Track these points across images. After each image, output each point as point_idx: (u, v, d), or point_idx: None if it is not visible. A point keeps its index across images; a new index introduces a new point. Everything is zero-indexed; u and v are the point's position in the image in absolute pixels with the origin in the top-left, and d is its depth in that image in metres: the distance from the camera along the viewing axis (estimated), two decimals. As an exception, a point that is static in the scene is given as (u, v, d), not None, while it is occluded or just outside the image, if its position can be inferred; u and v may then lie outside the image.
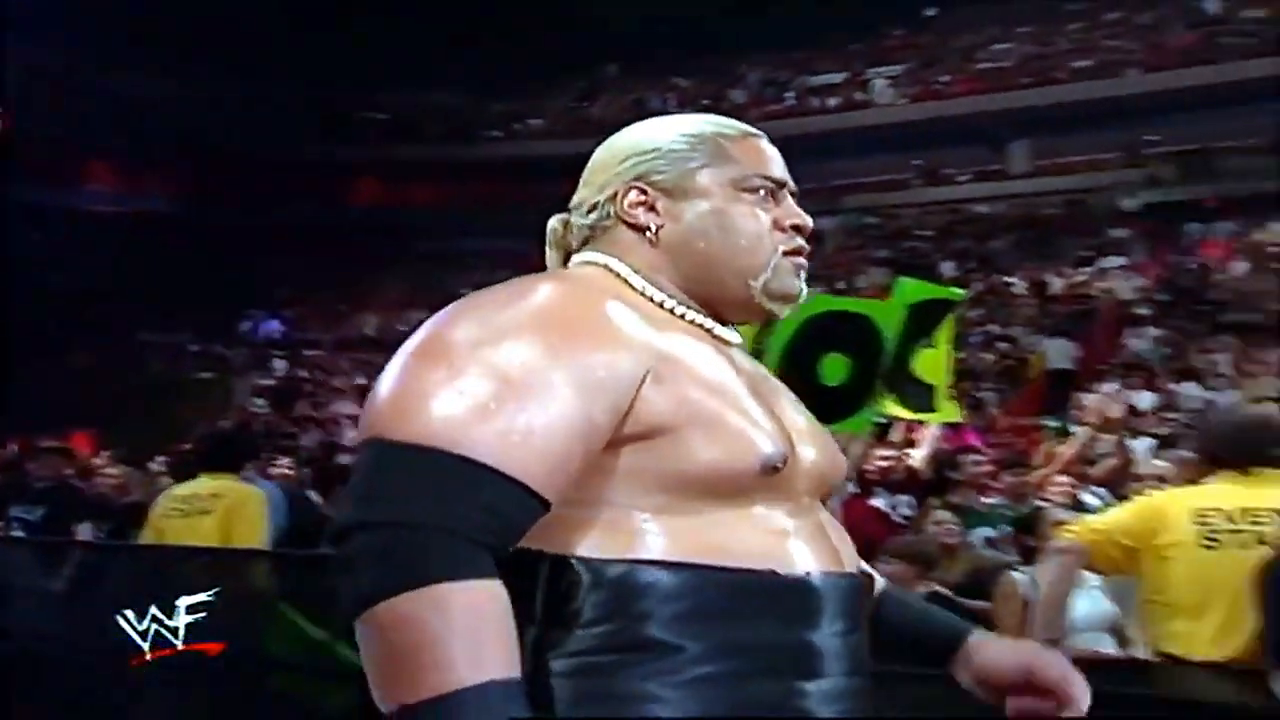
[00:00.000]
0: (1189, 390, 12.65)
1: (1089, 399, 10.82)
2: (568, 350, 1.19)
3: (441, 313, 1.24)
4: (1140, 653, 3.76)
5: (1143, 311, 16.54)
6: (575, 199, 1.46)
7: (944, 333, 5.17)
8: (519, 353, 1.17)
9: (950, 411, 5.63)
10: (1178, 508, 3.36)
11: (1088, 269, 19.47)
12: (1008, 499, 6.15)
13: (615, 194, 1.41)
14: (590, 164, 1.47)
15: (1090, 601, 4.15)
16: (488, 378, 1.15)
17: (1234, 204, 20.63)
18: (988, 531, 5.79)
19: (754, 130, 1.47)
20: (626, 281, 1.38)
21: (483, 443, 1.12)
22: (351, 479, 1.17)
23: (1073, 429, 8.61)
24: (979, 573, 5.04)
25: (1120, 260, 19.65)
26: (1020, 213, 23.78)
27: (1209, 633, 3.16)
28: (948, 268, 20.02)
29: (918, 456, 6.59)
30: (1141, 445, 8.64)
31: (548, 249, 1.50)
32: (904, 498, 6.39)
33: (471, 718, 1.04)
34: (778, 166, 1.45)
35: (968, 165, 26.26)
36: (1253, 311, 15.84)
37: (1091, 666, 3.06)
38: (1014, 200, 24.59)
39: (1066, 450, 7.26)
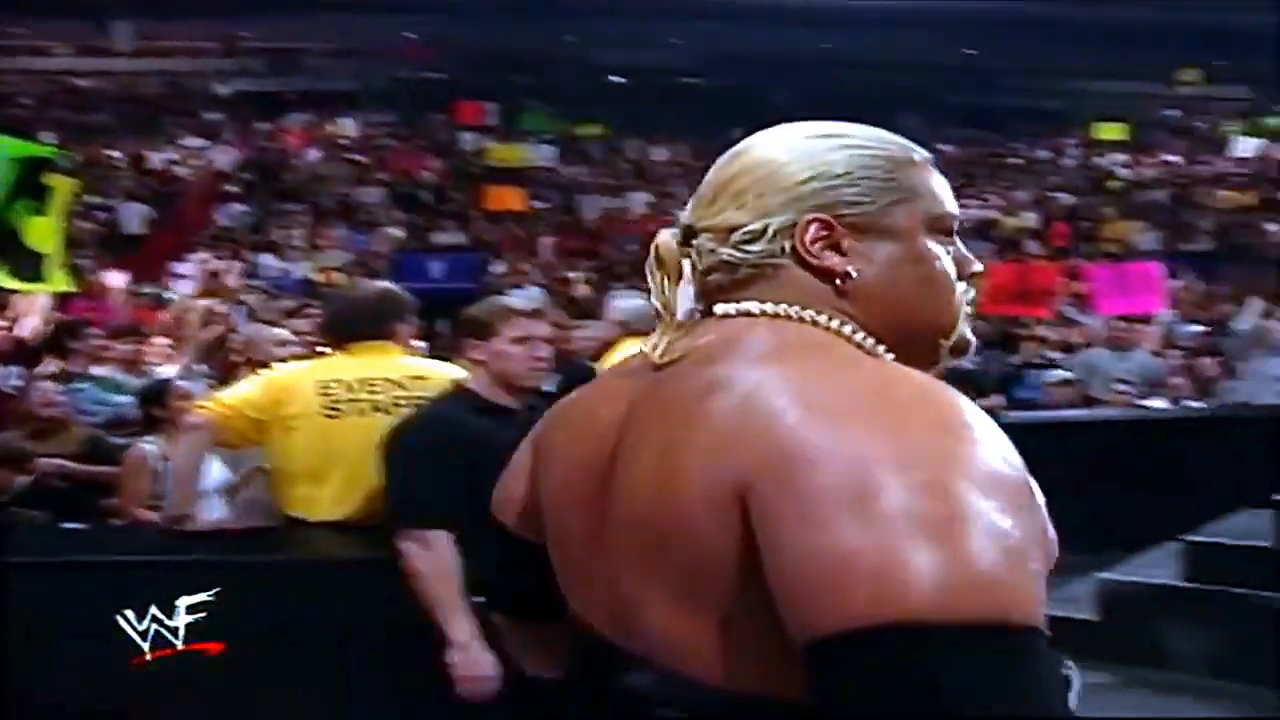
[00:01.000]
0: (268, 261, 13.97)
1: (184, 268, 11.40)
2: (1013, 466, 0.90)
3: (875, 449, 0.88)
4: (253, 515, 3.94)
5: (232, 188, 17.59)
6: (715, 218, 1.11)
7: (55, 202, 5.36)
8: (1008, 493, 0.87)
9: (62, 280, 5.76)
10: (303, 381, 3.43)
11: (183, 146, 20.68)
12: (122, 369, 6.19)
13: (792, 225, 1.08)
14: (741, 175, 1.11)
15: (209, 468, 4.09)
16: (1001, 520, 0.85)
17: (311, 98, 23.63)
18: (113, 399, 5.79)
19: (926, 151, 1.17)
20: (860, 346, 1.08)
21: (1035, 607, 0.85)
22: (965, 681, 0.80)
23: (170, 296, 8.96)
24: (96, 442, 5.09)
25: (212, 140, 21.04)
26: (122, 89, 24.55)
27: (329, 495, 3.33)
28: (48, 137, 20.09)
29: (27, 326, 6.35)
30: (236, 312, 9.13)
31: (655, 271, 1.14)
32: (14, 369, 6.13)
33: None
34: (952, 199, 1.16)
35: (70, 39, 26.29)
36: (323, 194, 18.53)
37: (220, 534, 3.56)
38: (116, 77, 25.30)
39: (169, 317, 7.59)
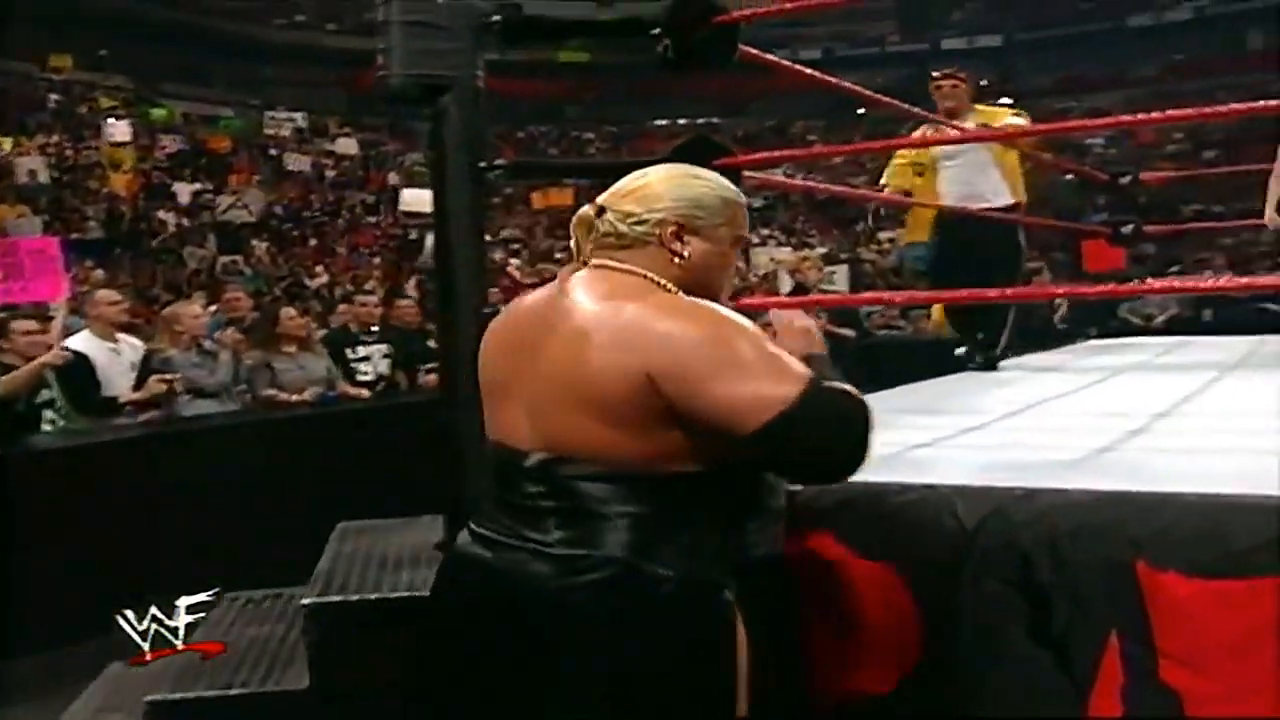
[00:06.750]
0: None
1: None
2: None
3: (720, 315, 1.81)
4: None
5: None
6: (621, 206, 1.92)
7: None
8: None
9: None
10: None
11: None
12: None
13: (661, 222, 1.90)
14: (644, 186, 1.94)
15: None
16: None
17: None
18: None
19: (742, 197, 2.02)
20: (664, 289, 1.90)
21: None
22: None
23: None
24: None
25: None
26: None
27: None
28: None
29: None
30: None
31: (577, 230, 1.97)
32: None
33: None
34: None
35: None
36: None
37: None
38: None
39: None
